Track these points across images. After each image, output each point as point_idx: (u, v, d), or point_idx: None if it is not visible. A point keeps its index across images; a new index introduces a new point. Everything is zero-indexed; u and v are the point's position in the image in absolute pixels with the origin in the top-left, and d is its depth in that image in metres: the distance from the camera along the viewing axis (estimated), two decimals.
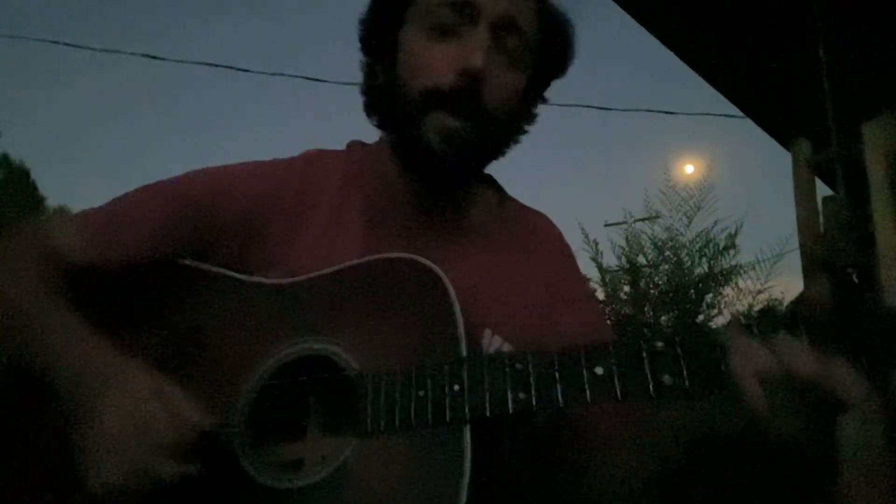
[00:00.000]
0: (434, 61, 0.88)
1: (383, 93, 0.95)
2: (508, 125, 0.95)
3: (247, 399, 0.81)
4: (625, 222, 9.24)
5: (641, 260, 8.33)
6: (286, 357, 0.82)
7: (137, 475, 0.73)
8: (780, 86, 3.56)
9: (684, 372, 0.67)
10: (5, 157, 22.10)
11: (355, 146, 1.05)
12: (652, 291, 8.06)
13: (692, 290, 7.80)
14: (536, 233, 1.05)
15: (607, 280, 8.47)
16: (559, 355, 0.71)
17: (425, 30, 0.90)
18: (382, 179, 0.98)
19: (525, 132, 1.00)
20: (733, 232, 7.89)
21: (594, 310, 1.09)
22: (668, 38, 3.60)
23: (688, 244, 8.07)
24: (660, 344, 0.68)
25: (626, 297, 8.24)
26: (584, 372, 0.69)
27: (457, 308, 0.77)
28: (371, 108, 0.98)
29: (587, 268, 8.22)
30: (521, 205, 1.09)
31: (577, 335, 0.75)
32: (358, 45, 0.99)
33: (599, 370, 0.69)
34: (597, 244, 8.21)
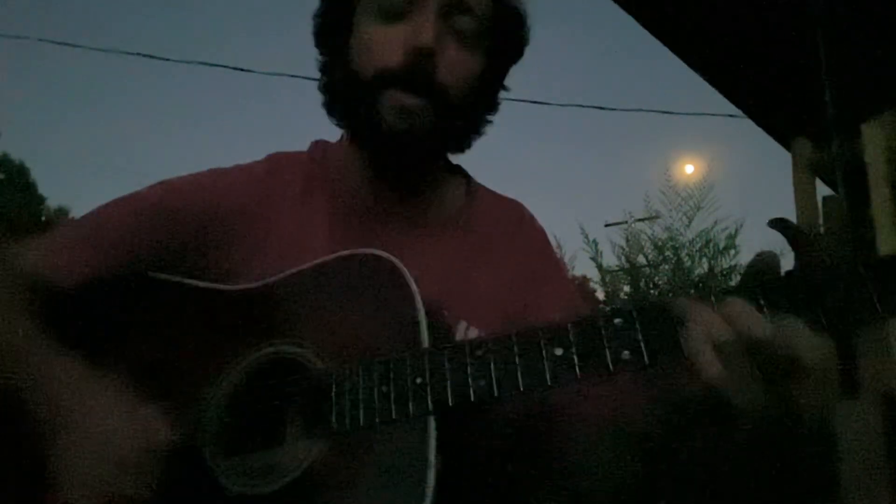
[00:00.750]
0: (384, 43, 0.89)
1: (340, 85, 0.94)
2: (467, 108, 0.93)
3: (216, 407, 0.81)
4: (625, 222, 9.26)
5: (641, 260, 8.34)
6: (254, 362, 0.82)
7: (103, 496, 0.74)
8: (780, 86, 3.55)
9: (642, 346, 0.66)
10: (5, 157, 22.11)
11: (318, 145, 1.05)
12: (652, 291, 8.06)
13: (692, 290, 7.80)
14: (508, 221, 1.04)
15: (607, 280, 8.48)
16: (517, 338, 0.71)
17: (375, 15, 0.90)
18: (346, 177, 0.98)
19: (488, 122, 0.99)
20: (733, 232, 7.90)
21: (570, 291, 1.07)
22: (668, 38, 3.59)
23: (688, 244, 8.08)
24: (617, 320, 0.68)
25: (626, 297, 8.24)
26: (544, 353, 0.69)
27: (417, 299, 0.76)
28: (330, 104, 0.98)
29: (587, 268, 8.24)
30: (491, 193, 1.08)
31: (555, 318, 0.74)
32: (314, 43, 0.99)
33: (559, 351, 0.68)
34: (597, 244, 8.22)
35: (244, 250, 0.94)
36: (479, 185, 1.07)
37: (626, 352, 0.67)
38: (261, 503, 0.74)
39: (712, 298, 0.66)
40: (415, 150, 0.91)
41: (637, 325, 0.67)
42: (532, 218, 1.07)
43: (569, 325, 0.69)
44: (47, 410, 0.80)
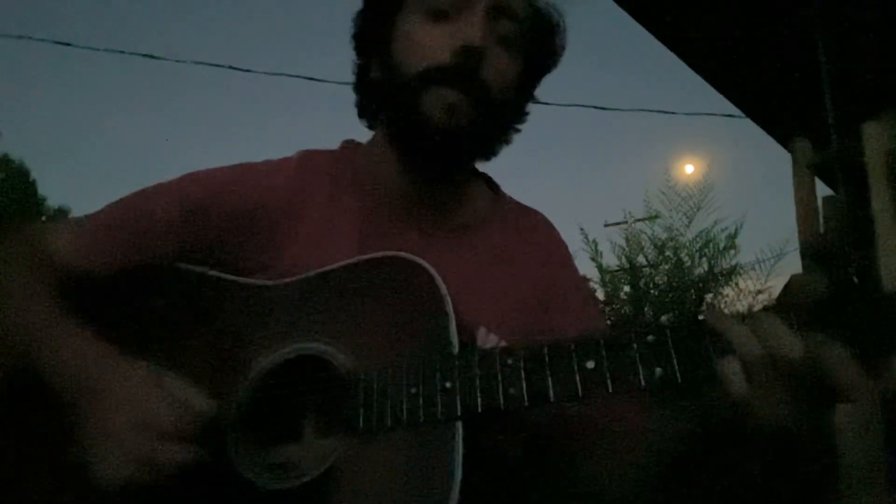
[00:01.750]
0: (431, 42, 0.89)
1: (379, 86, 0.95)
2: (504, 113, 0.95)
3: (241, 401, 0.81)
4: (625, 222, 9.27)
5: (641, 260, 8.35)
6: (279, 358, 0.82)
7: (142, 465, 0.73)
8: (780, 86, 3.56)
9: (675, 363, 0.66)
10: (5, 157, 22.10)
11: (348, 145, 1.05)
12: (652, 291, 8.07)
13: (692, 290, 7.81)
14: (532, 231, 1.05)
15: (607, 280, 8.49)
16: (549, 350, 0.71)
17: (420, 14, 0.91)
18: (376, 178, 0.99)
19: (518, 131, 1.00)
20: (733, 232, 7.92)
21: (591, 308, 1.08)
22: (668, 38, 3.59)
23: (688, 244, 8.10)
24: (650, 337, 0.68)
25: (626, 297, 8.25)
26: (575, 366, 0.69)
27: (448, 305, 0.77)
28: (365, 105, 0.98)
29: (587, 268, 8.24)
30: (516, 203, 1.09)
31: (574, 333, 0.74)
32: (352, 45, 0.99)
33: (590, 364, 0.69)
34: (597, 244, 8.25)
35: (272, 245, 0.94)
36: (504, 194, 1.08)
37: (659, 369, 0.67)
38: (280, 498, 0.74)
39: (744, 315, 0.66)
40: (456, 145, 0.91)
41: (669, 343, 0.67)
42: (556, 232, 1.08)
43: (601, 339, 0.69)
44: (79, 389, 0.79)
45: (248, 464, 0.78)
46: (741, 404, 0.63)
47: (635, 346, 0.68)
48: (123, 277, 0.93)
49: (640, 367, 0.67)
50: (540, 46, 0.98)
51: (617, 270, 8.53)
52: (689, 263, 8.02)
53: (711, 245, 7.95)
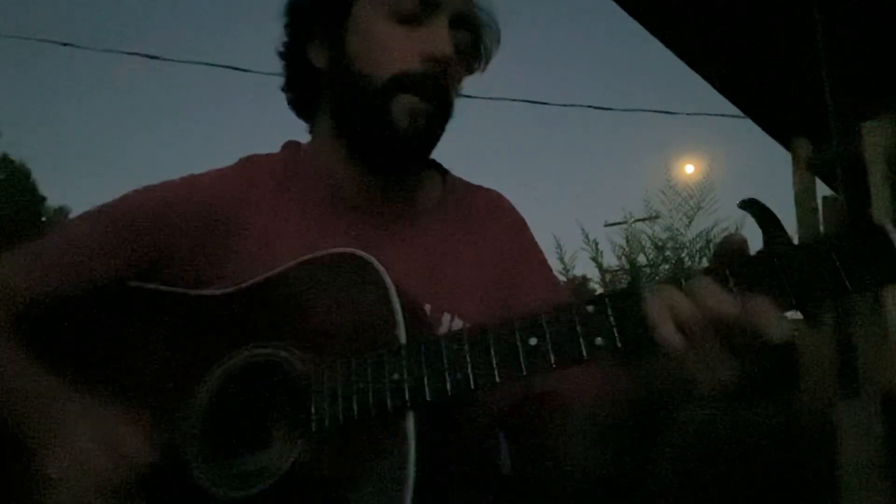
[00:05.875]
0: (400, 47, 0.90)
1: (330, 79, 0.95)
2: (451, 115, 0.97)
3: (198, 413, 0.81)
4: (625, 222, 9.27)
5: (641, 260, 8.35)
6: (233, 367, 0.81)
7: None
8: (780, 86, 3.56)
9: (614, 332, 0.66)
10: (5, 157, 22.12)
11: (291, 146, 1.05)
12: None
13: None
14: (487, 210, 1.05)
15: (607, 280, 8.48)
16: (492, 330, 0.71)
17: (384, 14, 0.91)
18: (323, 174, 0.98)
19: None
20: (733, 232, 7.90)
21: (554, 282, 1.08)
22: (668, 38, 3.59)
23: (688, 244, 8.10)
24: (590, 307, 0.68)
25: None
26: (519, 344, 0.69)
27: (393, 295, 0.76)
28: (303, 95, 0.99)
29: (587, 268, 8.25)
30: (467, 184, 1.09)
31: (537, 306, 0.74)
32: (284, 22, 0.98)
33: (533, 340, 0.69)
34: (597, 244, 8.23)
35: (223, 254, 0.94)
36: (454, 176, 1.08)
37: (599, 338, 0.67)
38: None
39: (681, 279, 0.66)
40: (417, 149, 0.94)
41: (609, 311, 0.67)
42: (509, 205, 1.08)
43: (542, 315, 0.69)
44: (27, 434, 0.81)
45: (215, 477, 0.77)
46: (681, 367, 0.63)
47: (576, 318, 0.68)
48: (73, 300, 0.92)
49: (582, 339, 0.67)
50: (478, 52, 1.01)
51: (617, 270, 8.53)
52: (689, 263, 8.02)
53: (711, 245, 7.94)
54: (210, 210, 0.95)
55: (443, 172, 1.07)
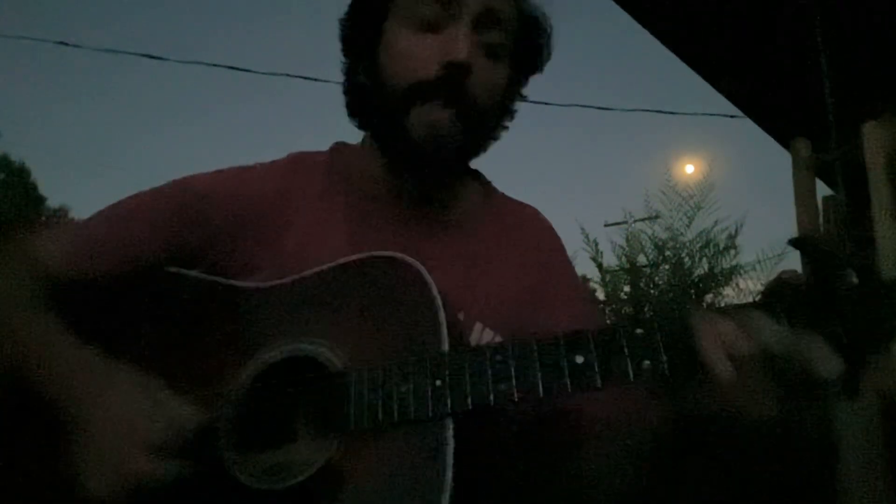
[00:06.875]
0: (418, 55, 0.89)
1: (365, 92, 0.95)
2: (491, 119, 0.95)
3: (233, 403, 0.81)
4: (625, 222, 9.26)
5: (641, 260, 8.34)
6: (271, 360, 0.82)
7: (130, 479, 0.74)
8: (780, 86, 3.56)
9: (663, 356, 0.67)
10: (5, 158, 22.12)
11: (339, 147, 1.05)
12: (652, 291, 8.06)
13: (692, 290, 7.80)
14: (525, 225, 1.05)
15: (607, 280, 8.48)
16: (538, 344, 0.71)
17: (407, 24, 0.91)
18: (367, 179, 0.99)
19: (506, 128, 1.00)
20: (733, 232, 7.89)
21: (585, 301, 1.09)
22: (668, 38, 3.59)
23: (688, 244, 8.08)
24: (639, 330, 0.68)
25: (626, 297, 8.24)
26: (564, 361, 0.69)
27: (438, 303, 0.76)
28: (353, 108, 0.98)
29: (587, 268, 8.24)
30: (508, 198, 1.09)
31: (567, 327, 0.74)
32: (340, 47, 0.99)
33: (579, 358, 0.69)
34: (597, 244, 8.22)
35: (264, 248, 0.94)
36: (495, 188, 1.08)
37: (647, 361, 0.67)
38: (273, 500, 0.75)
39: (729, 309, 0.67)
40: (440, 161, 0.92)
41: (658, 335, 0.68)
42: (547, 223, 1.08)
43: (589, 334, 0.70)
44: (69, 400, 0.80)
45: (244, 467, 0.77)
46: (726, 396, 0.64)
47: (624, 340, 0.68)
48: (115, 282, 0.92)
49: (629, 361, 0.68)
50: (527, 50, 0.98)
51: (617, 270, 8.52)
52: (689, 263, 8.01)
53: (711, 245, 7.93)
54: (256, 202, 0.96)
55: (484, 183, 1.07)
